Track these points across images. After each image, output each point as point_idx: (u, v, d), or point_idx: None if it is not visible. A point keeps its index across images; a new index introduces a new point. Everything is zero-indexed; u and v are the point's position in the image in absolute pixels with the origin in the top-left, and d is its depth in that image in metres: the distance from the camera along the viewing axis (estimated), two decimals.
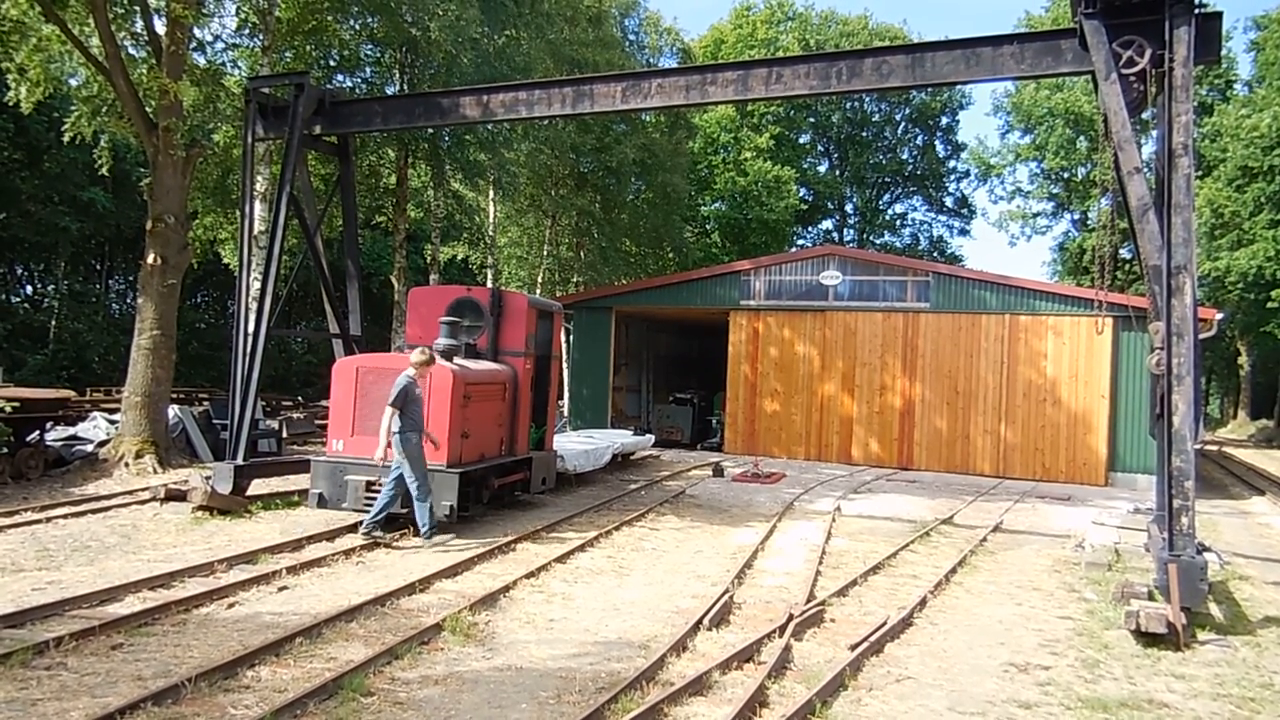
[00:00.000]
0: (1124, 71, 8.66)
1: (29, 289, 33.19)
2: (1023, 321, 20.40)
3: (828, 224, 55.85)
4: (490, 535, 10.31)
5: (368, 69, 23.05)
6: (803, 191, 48.32)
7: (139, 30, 16.07)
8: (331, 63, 21.74)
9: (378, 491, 10.17)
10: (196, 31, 16.71)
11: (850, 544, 11.15)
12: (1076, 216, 47.64)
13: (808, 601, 7.83)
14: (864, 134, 54.64)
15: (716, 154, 42.82)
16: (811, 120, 51.15)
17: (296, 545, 9.50)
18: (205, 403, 20.42)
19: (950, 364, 20.95)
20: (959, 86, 44.36)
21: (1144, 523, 11.14)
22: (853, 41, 48.21)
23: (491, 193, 28.63)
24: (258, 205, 17.38)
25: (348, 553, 9.18)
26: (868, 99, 52.03)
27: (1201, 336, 9.03)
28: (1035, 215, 49.81)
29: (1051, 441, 20.00)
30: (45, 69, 15.46)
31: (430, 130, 20.32)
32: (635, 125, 30.76)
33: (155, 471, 14.15)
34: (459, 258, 31.28)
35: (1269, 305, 33.41)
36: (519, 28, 23.42)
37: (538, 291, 29.67)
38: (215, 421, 16.35)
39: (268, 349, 12.68)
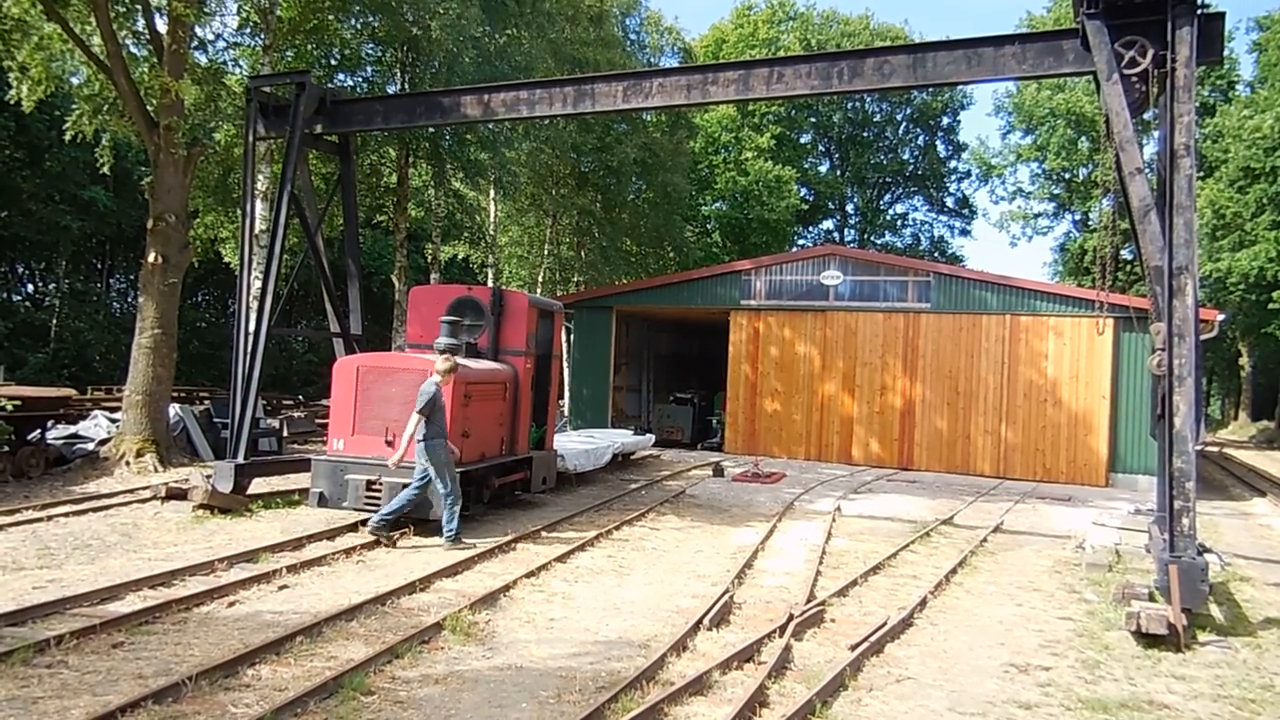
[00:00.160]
0: (1126, 72, 8.65)
1: (30, 287, 33.23)
2: (1024, 322, 20.39)
3: (828, 224, 55.93)
4: (491, 534, 10.30)
5: (369, 68, 23.06)
6: (804, 191, 48.32)
7: (140, 29, 16.09)
8: (332, 62, 21.74)
9: (378, 491, 10.18)
10: (198, 30, 16.73)
11: (850, 544, 11.15)
12: (1078, 217, 47.65)
13: (808, 601, 7.83)
14: (865, 134, 54.66)
15: (717, 154, 42.83)
16: (813, 120, 51.16)
17: (297, 544, 9.50)
18: (206, 401, 20.44)
19: (951, 364, 20.94)
20: (960, 87, 44.32)
21: (1145, 524, 11.15)
22: (854, 41, 48.20)
23: (492, 192, 28.64)
24: (259, 204, 17.39)
25: (348, 551, 9.18)
26: (869, 99, 52.06)
27: (1203, 338, 9.05)
28: (1036, 216, 49.88)
29: (1052, 442, 19.99)
30: (47, 68, 15.46)
31: (431, 129, 20.31)
32: (636, 125, 30.76)
33: (156, 470, 14.16)
34: (460, 257, 31.31)
35: (1270, 306, 33.42)
36: (520, 27, 23.43)
37: (538, 291, 29.68)
38: (216, 420, 16.36)
39: (268, 348, 12.69)
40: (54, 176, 26.83)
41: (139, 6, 15.42)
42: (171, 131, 14.68)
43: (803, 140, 51.39)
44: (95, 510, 11.09)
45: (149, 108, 14.89)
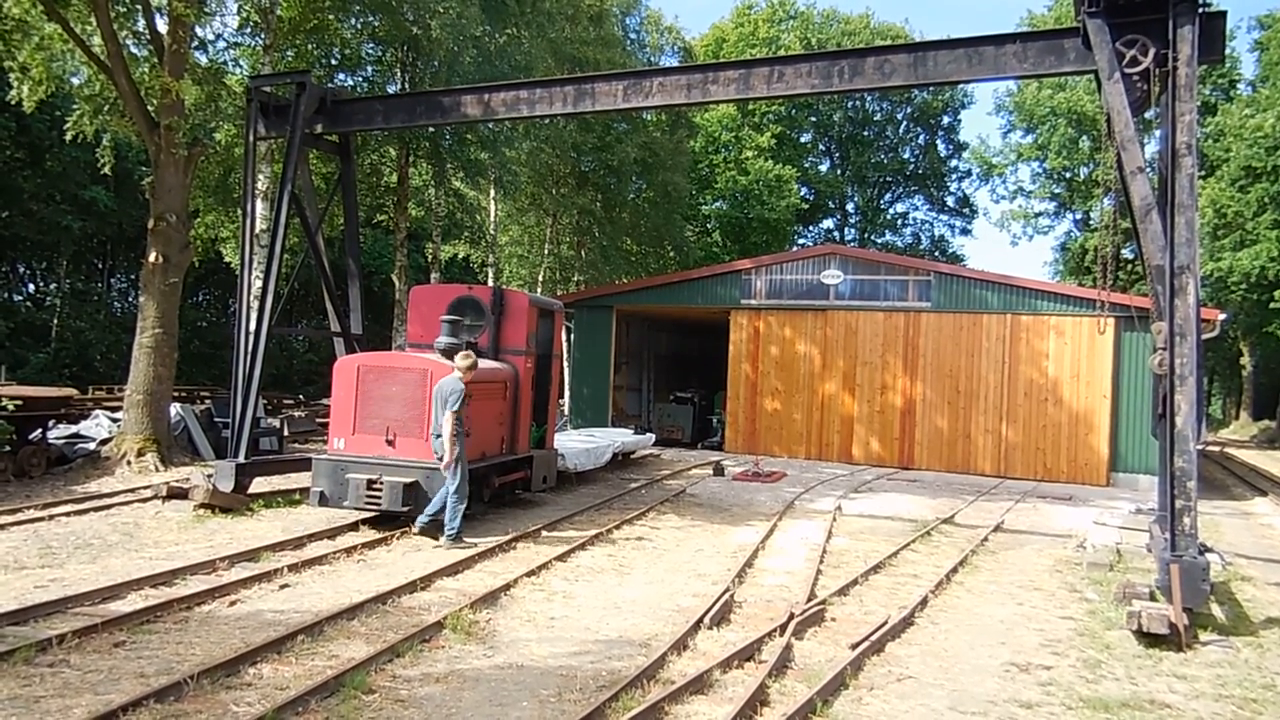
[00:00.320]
0: (1127, 71, 8.65)
1: (31, 287, 33.25)
2: (1024, 321, 20.38)
3: (829, 223, 55.93)
4: (491, 533, 10.31)
5: (369, 68, 23.06)
6: (804, 190, 48.32)
7: (141, 29, 16.09)
8: (333, 61, 21.74)
9: (379, 490, 10.19)
10: (198, 30, 16.73)
11: (851, 543, 11.15)
12: (1079, 216, 47.64)
13: (809, 600, 7.83)
14: (865, 133, 54.64)
15: (717, 153, 42.81)
16: (813, 119, 51.15)
17: (298, 543, 9.51)
18: (207, 401, 20.46)
19: (951, 363, 20.93)
20: (961, 86, 44.34)
21: (1146, 523, 11.15)
22: (854, 40, 48.20)
23: (492, 191, 28.63)
24: (259, 204, 17.39)
25: (349, 551, 9.19)
26: (869, 98, 52.04)
27: (1204, 337, 9.04)
28: (1037, 215, 49.88)
29: (1053, 441, 19.98)
30: (47, 68, 15.47)
31: (431, 129, 20.31)
32: (636, 124, 30.75)
33: (157, 469, 14.17)
34: (460, 256, 31.29)
35: (1271, 306, 33.40)
36: (520, 26, 23.42)
37: (539, 290, 29.68)
38: (217, 420, 16.38)
39: (269, 347, 12.69)
40: (55, 176, 26.84)
41: (139, 6, 15.42)
42: (172, 131, 14.69)
43: (803, 139, 51.38)
44: (97, 510, 11.10)
45: (149, 108, 14.89)
